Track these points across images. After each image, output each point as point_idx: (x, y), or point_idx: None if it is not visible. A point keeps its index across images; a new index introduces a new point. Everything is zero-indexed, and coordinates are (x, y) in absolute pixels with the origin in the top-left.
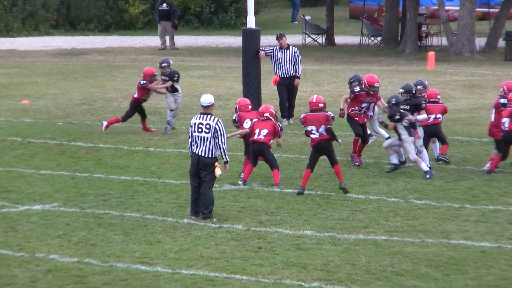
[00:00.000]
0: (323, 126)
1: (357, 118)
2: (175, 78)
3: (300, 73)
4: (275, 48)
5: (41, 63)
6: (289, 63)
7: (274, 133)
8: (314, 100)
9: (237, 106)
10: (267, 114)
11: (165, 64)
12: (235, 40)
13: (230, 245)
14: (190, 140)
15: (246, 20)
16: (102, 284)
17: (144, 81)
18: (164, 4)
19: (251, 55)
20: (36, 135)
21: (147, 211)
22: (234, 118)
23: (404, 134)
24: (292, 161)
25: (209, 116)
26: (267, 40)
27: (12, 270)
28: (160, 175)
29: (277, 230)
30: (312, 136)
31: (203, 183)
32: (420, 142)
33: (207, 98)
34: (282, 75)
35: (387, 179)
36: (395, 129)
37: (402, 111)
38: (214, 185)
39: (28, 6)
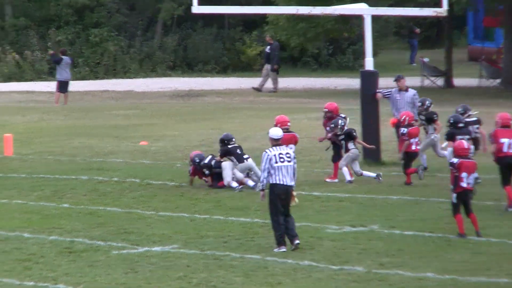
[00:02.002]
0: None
1: None
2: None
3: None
4: (393, 90)
5: (159, 105)
6: (407, 105)
7: None
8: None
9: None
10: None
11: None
12: (353, 82)
13: (351, 287)
14: (266, 173)
15: (364, 62)
16: None
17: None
18: (268, 47)
19: (369, 97)
20: (155, 177)
21: (267, 253)
22: None
23: None
24: (413, 203)
25: (283, 146)
26: (385, 82)
27: None
28: None
29: (398, 272)
30: (462, 184)
31: (287, 211)
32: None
33: (278, 132)
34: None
35: (509, 222)
36: None
37: None
38: (334, 227)
39: (145, 47)
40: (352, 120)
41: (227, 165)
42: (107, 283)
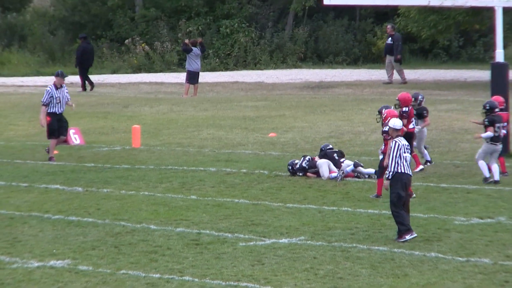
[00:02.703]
0: None
1: None
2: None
3: None
4: None
5: (288, 96)
6: None
7: None
8: None
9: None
10: None
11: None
12: (483, 74)
13: (477, 279)
14: (395, 162)
15: (494, 54)
16: None
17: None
18: (389, 38)
19: (499, 89)
20: (283, 169)
21: (394, 245)
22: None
23: None
24: None
25: (402, 137)
26: None
27: None
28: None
29: None
30: None
31: (408, 202)
32: None
33: (399, 123)
34: None
35: None
36: None
37: None
38: (462, 218)
39: (276, 39)
40: (480, 112)
41: (322, 163)
42: (233, 275)
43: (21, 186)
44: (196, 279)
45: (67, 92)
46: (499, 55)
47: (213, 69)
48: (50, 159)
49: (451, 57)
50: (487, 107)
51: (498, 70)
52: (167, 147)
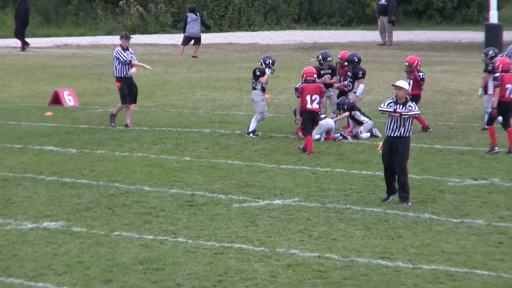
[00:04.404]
0: None
1: None
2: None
3: None
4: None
5: (283, 58)
6: None
7: None
8: None
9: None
10: None
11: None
12: (478, 36)
13: (471, 240)
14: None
15: (488, 15)
16: (343, 279)
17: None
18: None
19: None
20: (277, 130)
21: (388, 206)
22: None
23: None
24: None
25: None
26: (510, 36)
27: (252, 265)
28: None
29: None
30: None
31: None
32: None
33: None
34: None
35: None
36: None
37: None
38: (456, 180)
39: (270, 0)
40: (474, 73)
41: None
42: (227, 237)
43: (15, 147)
44: (190, 241)
45: (133, 54)
46: (493, 16)
47: (207, 31)
48: (126, 125)
49: (445, 19)
50: None
51: (492, 31)
52: (161, 109)
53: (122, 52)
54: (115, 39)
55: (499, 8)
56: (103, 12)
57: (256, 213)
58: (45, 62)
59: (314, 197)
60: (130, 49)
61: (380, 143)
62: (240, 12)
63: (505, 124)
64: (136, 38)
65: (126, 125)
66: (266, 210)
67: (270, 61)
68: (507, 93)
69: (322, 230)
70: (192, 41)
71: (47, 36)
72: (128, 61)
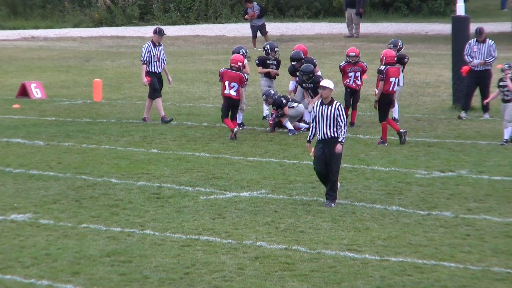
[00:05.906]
0: None
1: None
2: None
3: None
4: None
5: (250, 50)
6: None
7: None
8: None
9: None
10: None
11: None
12: (444, 28)
13: (439, 232)
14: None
15: (455, 7)
16: (310, 271)
17: None
18: None
19: (460, 43)
20: (244, 122)
21: (355, 198)
22: None
23: None
24: (502, 149)
25: None
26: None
27: (219, 257)
28: (369, 162)
29: (485, 217)
30: None
31: None
32: None
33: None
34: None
35: None
36: None
37: None
38: (423, 172)
39: None
40: (441, 65)
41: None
42: (194, 229)
43: None
44: (157, 233)
45: (163, 53)
46: (460, 8)
47: (174, 23)
48: (162, 118)
49: (412, 11)
50: None
51: (459, 24)
52: (128, 101)
53: (153, 47)
54: (83, 31)
55: (466, 0)
56: (70, 4)
57: (224, 205)
58: (12, 55)
59: (281, 189)
60: (161, 46)
61: (313, 148)
62: (207, 4)
63: (382, 118)
64: (104, 31)
65: (144, 119)
66: (233, 202)
67: (243, 51)
68: (391, 86)
69: (289, 222)
70: None
71: (14, 28)
72: (146, 61)
